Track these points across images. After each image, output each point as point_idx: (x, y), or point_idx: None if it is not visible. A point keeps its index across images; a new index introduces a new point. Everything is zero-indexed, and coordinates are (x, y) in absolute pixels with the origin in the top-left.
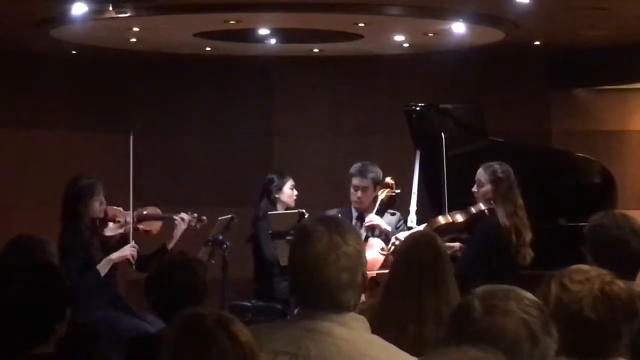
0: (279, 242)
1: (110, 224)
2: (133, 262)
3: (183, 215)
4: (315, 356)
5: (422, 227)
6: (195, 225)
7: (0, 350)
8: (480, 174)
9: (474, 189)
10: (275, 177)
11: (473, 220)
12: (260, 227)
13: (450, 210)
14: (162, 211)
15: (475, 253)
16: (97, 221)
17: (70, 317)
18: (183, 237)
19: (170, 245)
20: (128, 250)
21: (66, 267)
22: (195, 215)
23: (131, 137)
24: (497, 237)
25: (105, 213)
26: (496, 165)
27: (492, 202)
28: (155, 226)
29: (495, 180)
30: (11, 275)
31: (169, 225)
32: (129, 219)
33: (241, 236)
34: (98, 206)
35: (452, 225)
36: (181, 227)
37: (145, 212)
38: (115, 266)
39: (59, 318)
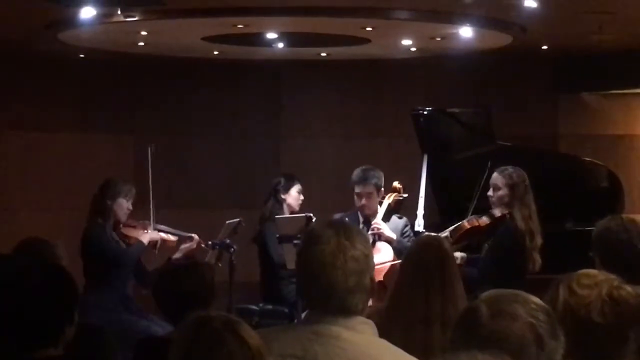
0: (286, 246)
1: (132, 229)
2: (158, 245)
3: (196, 236)
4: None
5: (447, 232)
6: (205, 247)
7: (10, 351)
8: (496, 177)
9: (490, 192)
10: (282, 179)
11: (495, 224)
12: (267, 227)
13: (463, 215)
14: (169, 213)
15: (496, 255)
16: (120, 225)
17: (80, 319)
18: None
19: (175, 257)
20: (157, 234)
21: (103, 247)
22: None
23: (149, 152)
24: (515, 242)
25: (129, 221)
26: (511, 169)
27: (508, 206)
28: (171, 238)
29: (511, 185)
30: (21, 277)
31: (183, 241)
32: (150, 228)
33: (248, 240)
34: (126, 208)
35: (478, 229)
36: (192, 245)
37: (163, 226)
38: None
39: (68, 320)
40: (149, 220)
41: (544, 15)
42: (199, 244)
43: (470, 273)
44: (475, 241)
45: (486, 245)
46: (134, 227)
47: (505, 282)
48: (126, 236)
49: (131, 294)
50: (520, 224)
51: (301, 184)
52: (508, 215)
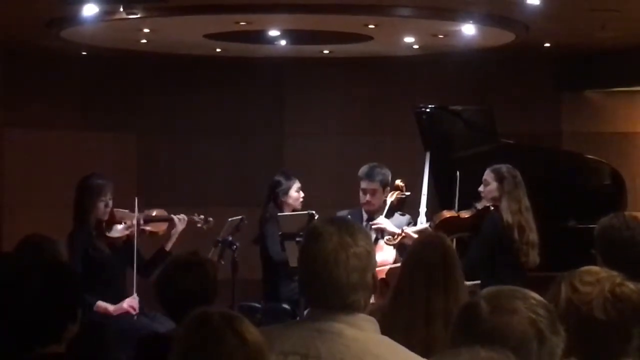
0: (288, 243)
1: (117, 226)
2: (134, 312)
3: (182, 215)
4: (325, 357)
5: (427, 224)
6: (202, 227)
7: (13, 348)
8: (487, 173)
9: (481, 188)
10: (282, 179)
11: (478, 217)
12: (267, 229)
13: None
14: (170, 212)
15: (480, 248)
16: (103, 223)
17: (81, 317)
18: (193, 238)
19: (167, 246)
20: (126, 304)
21: (71, 262)
22: (202, 217)
23: (135, 204)
24: (499, 232)
25: (112, 215)
26: (502, 166)
27: (497, 200)
28: (161, 227)
29: (500, 179)
30: (24, 274)
31: (172, 226)
32: (135, 221)
33: (251, 237)
34: (102, 207)
35: (458, 220)
36: (179, 228)
37: (151, 214)
38: (124, 266)
39: (71, 317)
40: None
41: (547, 13)
42: (189, 222)
43: None
44: (458, 233)
45: None
46: (120, 223)
47: (492, 271)
48: (108, 237)
49: (131, 291)
50: (507, 216)
51: (301, 181)
52: (493, 208)
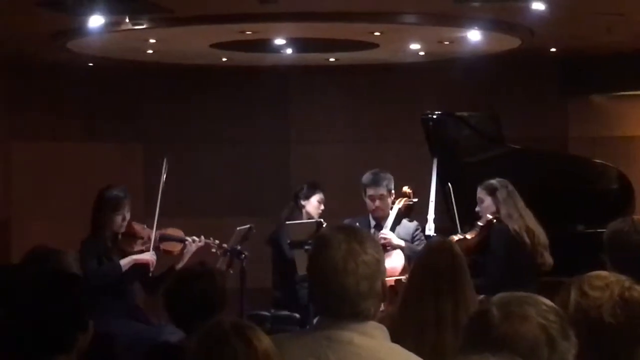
0: (297, 252)
1: (133, 240)
2: (152, 268)
3: (200, 238)
4: None
5: None
6: (217, 252)
7: (20, 358)
8: (479, 191)
9: (477, 208)
10: (305, 186)
11: (485, 234)
12: (283, 231)
13: (461, 221)
14: (179, 221)
15: (496, 263)
16: (119, 235)
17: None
18: (202, 247)
19: (178, 267)
20: (149, 256)
21: (84, 269)
22: (217, 242)
23: (164, 165)
24: (510, 240)
25: (130, 228)
26: (492, 180)
27: (495, 213)
28: (176, 247)
29: (492, 191)
30: (31, 284)
31: (185, 247)
32: (152, 236)
33: (259, 246)
34: (120, 221)
35: (466, 242)
36: (191, 250)
37: (167, 233)
38: (131, 278)
39: (80, 328)
40: (153, 226)
41: (552, 18)
42: (202, 246)
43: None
44: (470, 256)
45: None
46: (134, 236)
47: (514, 279)
48: (123, 250)
49: (139, 304)
50: (511, 224)
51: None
52: (495, 220)
